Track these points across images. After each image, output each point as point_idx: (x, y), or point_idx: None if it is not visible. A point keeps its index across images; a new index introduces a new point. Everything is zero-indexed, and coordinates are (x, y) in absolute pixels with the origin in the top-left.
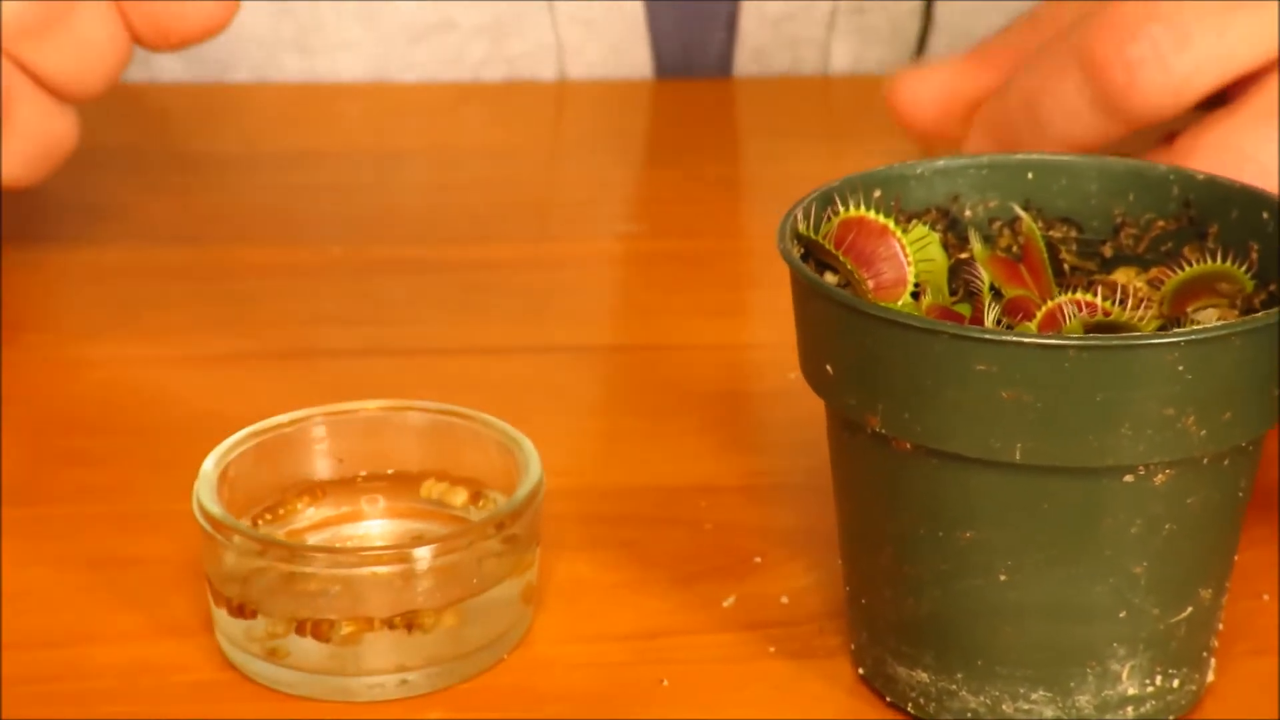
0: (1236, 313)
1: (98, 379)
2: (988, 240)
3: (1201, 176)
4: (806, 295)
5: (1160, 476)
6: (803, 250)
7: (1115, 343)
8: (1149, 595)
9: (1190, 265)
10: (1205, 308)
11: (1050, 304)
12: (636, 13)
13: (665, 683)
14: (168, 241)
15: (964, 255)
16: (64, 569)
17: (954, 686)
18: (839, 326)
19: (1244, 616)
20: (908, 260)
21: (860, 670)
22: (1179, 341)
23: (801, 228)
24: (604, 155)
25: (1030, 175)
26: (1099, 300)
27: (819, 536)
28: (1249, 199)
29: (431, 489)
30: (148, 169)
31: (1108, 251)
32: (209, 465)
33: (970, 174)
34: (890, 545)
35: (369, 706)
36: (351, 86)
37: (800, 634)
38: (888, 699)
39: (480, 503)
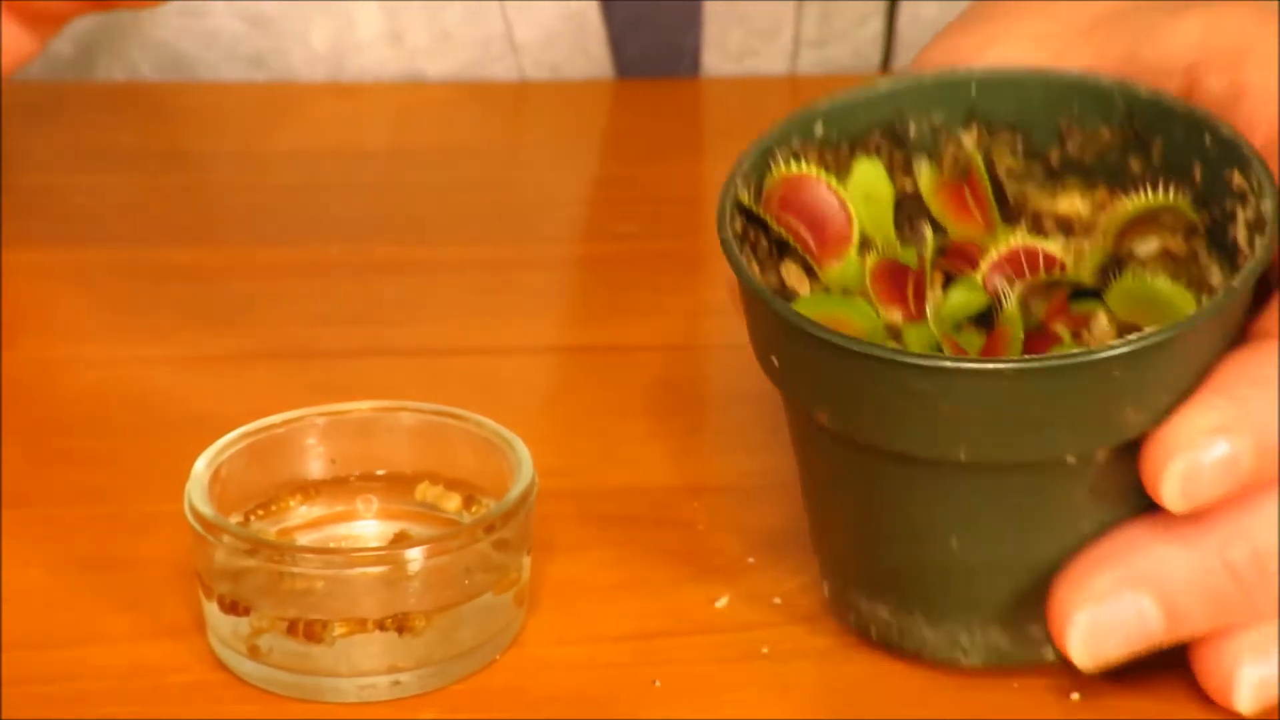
0: (1180, 239)
1: (95, 379)
2: (933, 156)
3: (1145, 94)
4: (747, 292)
5: (1102, 453)
6: (745, 218)
7: (1051, 364)
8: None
9: (1136, 191)
10: (1149, 238)
11: (996, 254)
12: (603, 60)
13: (658, 683)
14: (166, 241)
15: (909, 190)
16: (60, 570)
17: (913, 624)
18: (779, 330)
19: None
20: (850, 215)
21: (825, 593)
22: (1113, 356)
23: (743, 197)
24: (602, 155)
25: (974, 89)
26: (1042, 246)
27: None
28: (1193, 120)
29: (425, 492)
30: (147, 169)
31: (1054, 159)
32: (201, 466)
33: (913, 93)
34: (844, 513)
35: (361, 708)
36: (352, 86)
37: (793, 634)
38: (851, 623)
39: (473, 508)
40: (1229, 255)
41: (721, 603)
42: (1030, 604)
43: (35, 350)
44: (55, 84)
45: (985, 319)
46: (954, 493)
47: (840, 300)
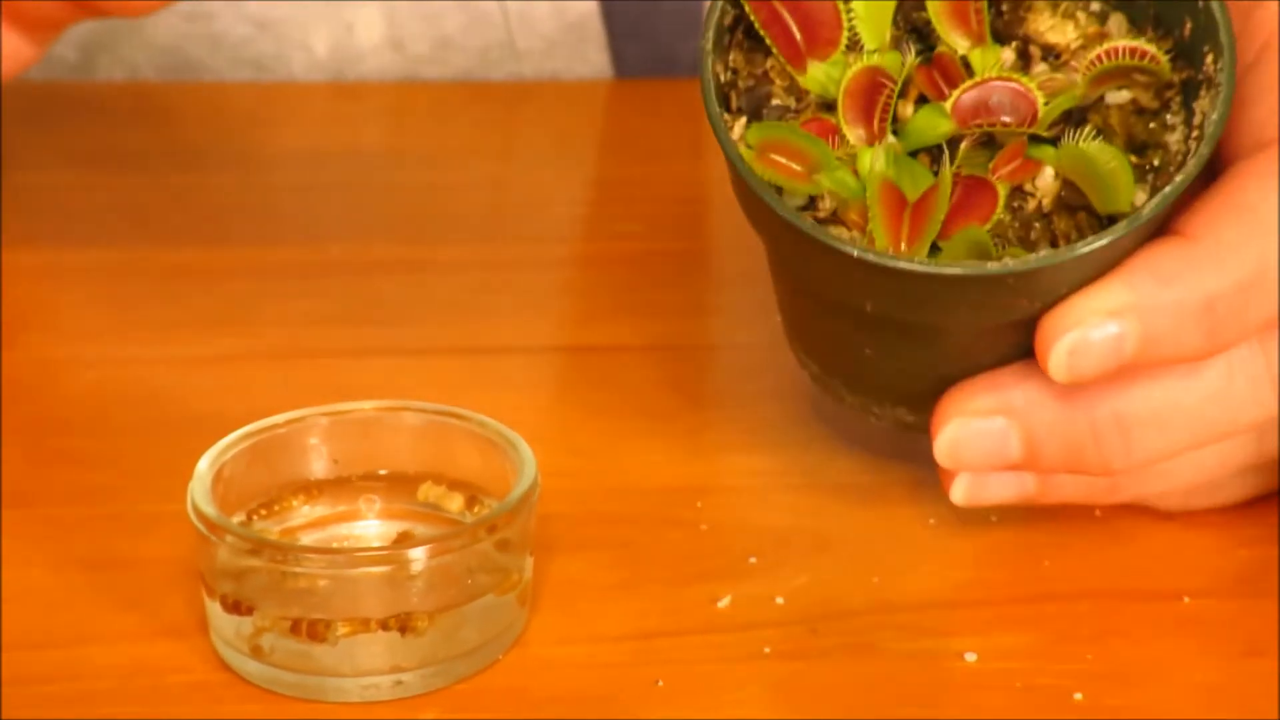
0: (1151, 95)
1: (96, 379)
2: None
3: None
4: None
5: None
6: (736, 15)
7: (945, 271)
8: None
9: (1133, 25)
10: (1122, 88)
11: (971, 84)
12: (603, 67)
13: (660, 683)
14: (167, 241)
15: None
16: (61, 570)
17: (835, 386)
18: (729, 163)
19: (1241, 616)
20: (840, 20)
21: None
22: (1005, 272)
23: None
24: (602, 155)
25: None
26: (1017, 82)
27: (814, 537)
28: None
29: (429, 492)
30: (147, 169)
31: None
32: (203, 465)
33: None
34: (782, 299)
35: (364, 707)
36: (352, 86)
37: (795, 634)
38: (797, 360)
39: (476, 508)
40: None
41: (723, 603)
42: (933, 395)
43: (35, 350)
44: (57, 84)
45: (944, 148)
46: (865, 325)
47: (791, 129)
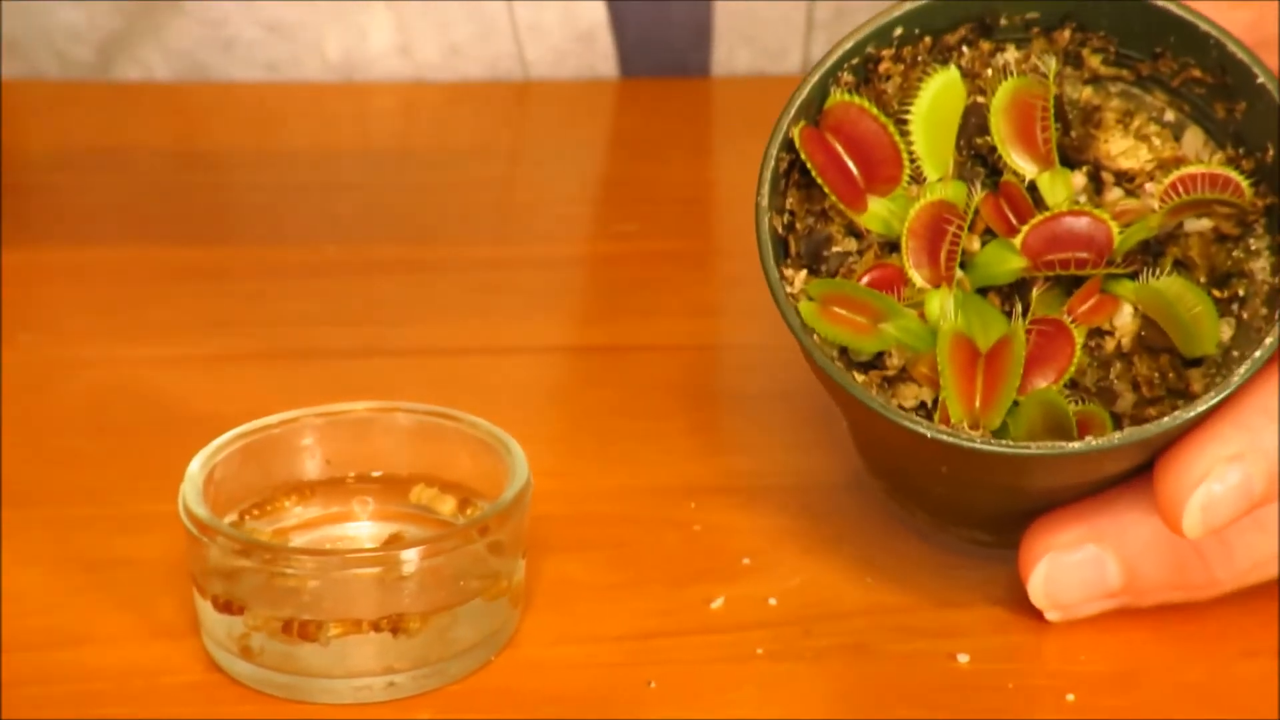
0: (1232, 224)
1: (96, 379)
2: (1021, 44)
3: (1241, 56)
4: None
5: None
6: (791, 158)
7: (1025, 452)
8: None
9: (1210, 140)
10: (1202, 216)
11: (1041, 220)
12: (609, 67)
13: (653, 684)
14: (166, 241)
15: (984, 100)
16: (58, 571)
17: (911, 507)
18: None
19: (1240, 617)
20: (900, 157)
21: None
22: (1078, 452)
23: (793, 134)
24: (601, 155)
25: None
26: (1091, 215)
27: (807, 538)
28: (1273, 103)
29: (421, 494)
30: (147, 169)
31: (1144, 70)
32: (195, 466)
33: None
34: (853, 429)
35: (356, 709)
36: (352, 86)
37: (788, 635)
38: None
39: (469, 510)
40: None
41: (717, 603)
42: (1012, 521)
43: (35, 350)
44: (62, 84)
45: (1014, 286)
46: (940, 475)
47: (852, 286)
